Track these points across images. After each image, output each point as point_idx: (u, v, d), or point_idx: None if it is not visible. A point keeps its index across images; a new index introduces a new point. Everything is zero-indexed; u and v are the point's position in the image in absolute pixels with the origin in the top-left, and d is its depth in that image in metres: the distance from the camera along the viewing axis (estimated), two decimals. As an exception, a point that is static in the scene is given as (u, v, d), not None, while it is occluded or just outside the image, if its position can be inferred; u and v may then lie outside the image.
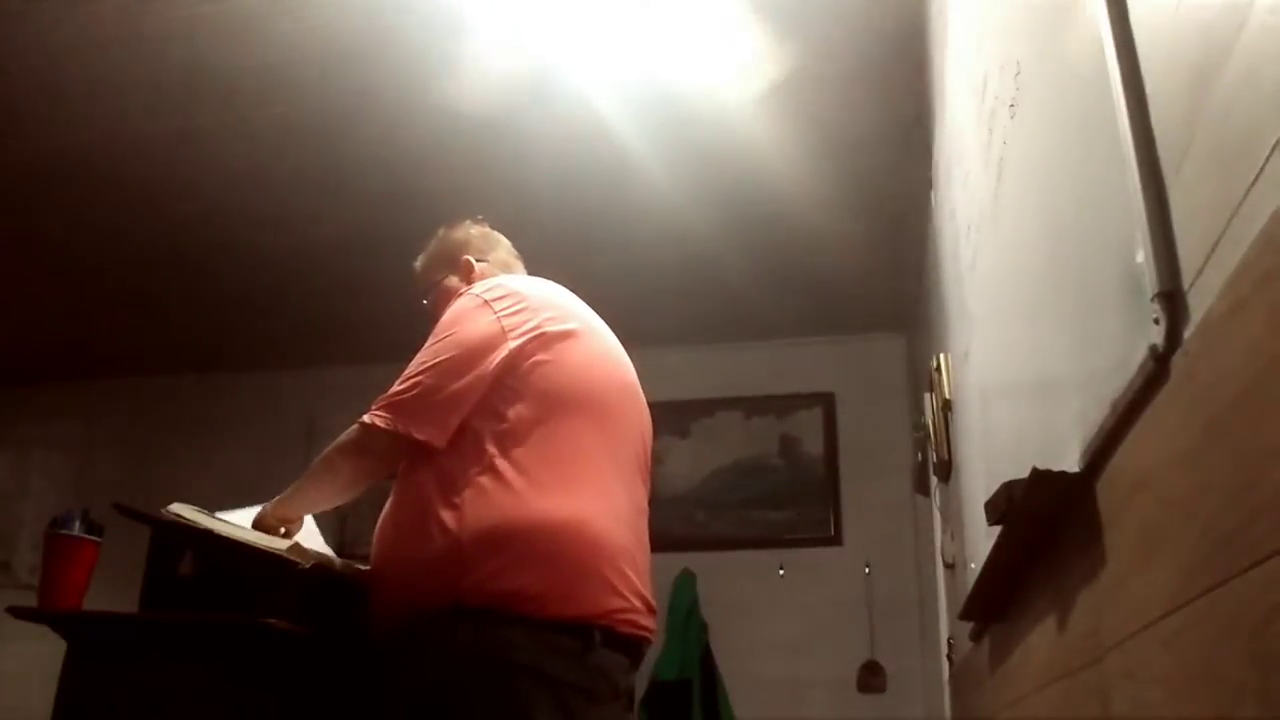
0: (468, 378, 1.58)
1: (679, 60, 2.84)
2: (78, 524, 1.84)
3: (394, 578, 1.58)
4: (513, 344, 1.61)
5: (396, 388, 1.62)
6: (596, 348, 1.73)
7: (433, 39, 2.77)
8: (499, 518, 1.48)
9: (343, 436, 1.64)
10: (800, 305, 4.37)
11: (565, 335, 1.67)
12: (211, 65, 2.90)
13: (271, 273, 4.11)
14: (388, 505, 1.66)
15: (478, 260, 1.94)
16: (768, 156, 3.26)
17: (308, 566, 1.69)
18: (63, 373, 5.11)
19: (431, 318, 1.86)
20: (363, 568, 1.85)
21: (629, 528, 1.62)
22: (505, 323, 1.64)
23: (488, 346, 1.61)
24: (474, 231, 2.02)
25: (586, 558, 1.51)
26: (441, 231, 2.04)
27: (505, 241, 2.05)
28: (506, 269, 1.96)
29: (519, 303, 1.68)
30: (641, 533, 1.68)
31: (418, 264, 2.03)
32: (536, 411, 1.57)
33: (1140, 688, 0.90)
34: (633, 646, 1.57)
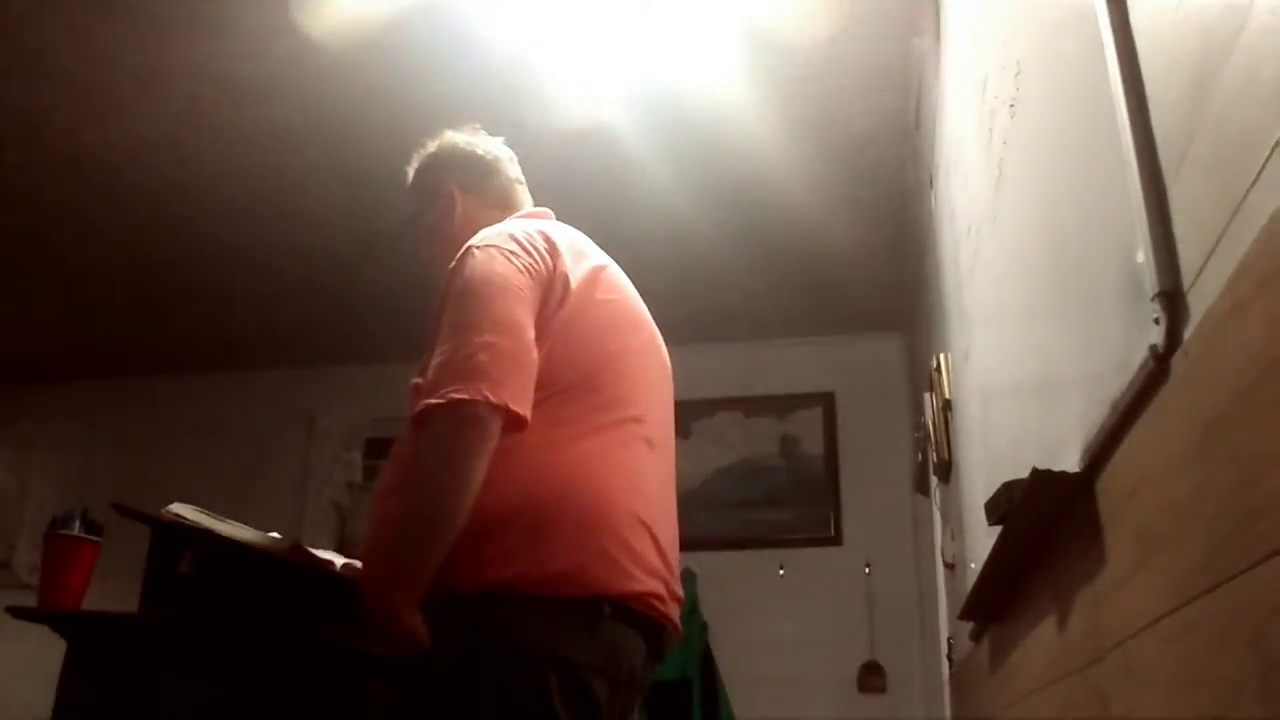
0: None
1: (679, 60, 2.84)
2: (78, 524, 1.85)
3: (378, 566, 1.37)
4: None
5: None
6: (620, 303, 1.55)
7: (433, 40, 2.77)
8: (500, 496, 1.31)
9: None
10: (800, 305, 4.37)
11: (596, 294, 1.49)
12: (212, 66, 2.90)
13: (272, 273, 4.11)
14: (392, 489, 1.43)
15: (463, 192, 1.66)
16: (768, 156, 3.26)
17: (307, 566, 1.69)
18: (63, 373, 5.11)
19: (414, 255, 1.68)
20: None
21: (650, 501, 1.44)
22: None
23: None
24: (461, 148, 1.70)
25: (591, 534, 1.34)
26: (428, 146, 1.72)
27: (504, 159, 1.72)
28: (504, 204, 1.67)
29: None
30: (668, 508, 1.49)
31: (407, 180, 1.74)
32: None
33: (1140, 688, 0.90)
34: (651, 625, 1.39)
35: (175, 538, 1.71)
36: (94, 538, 1.84)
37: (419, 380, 1.40)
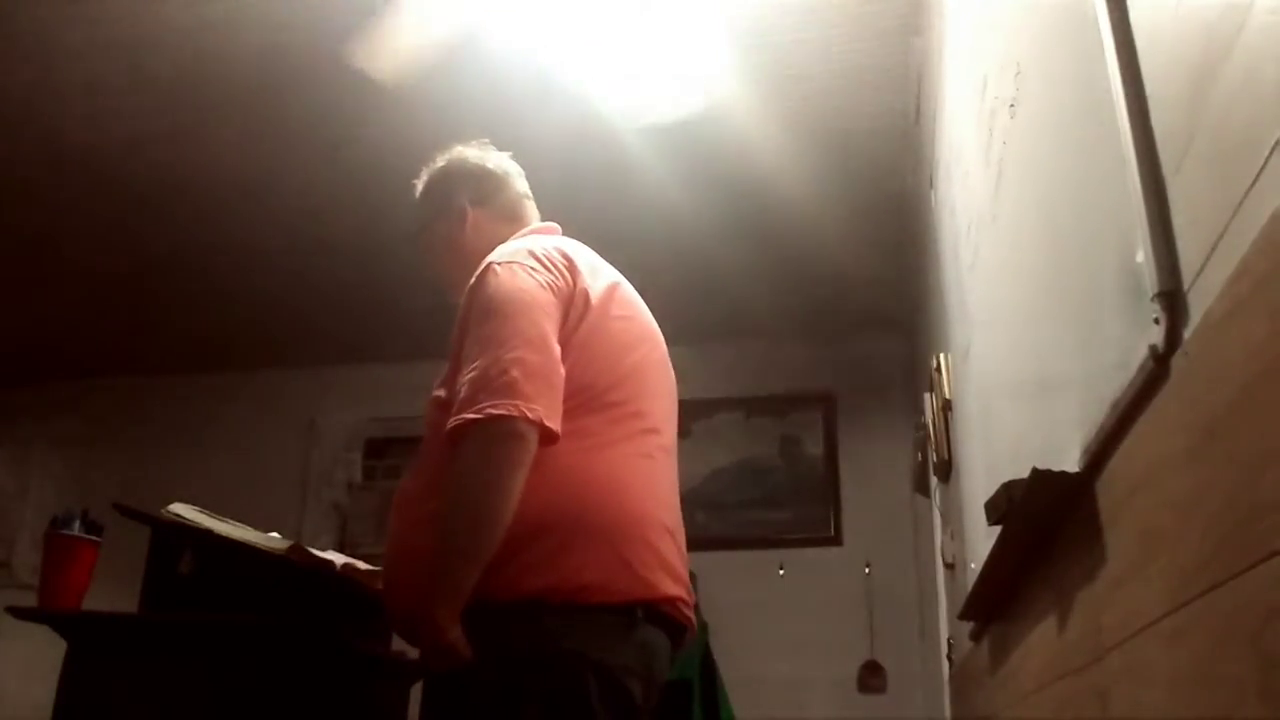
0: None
1: (679, 60, 2.84)
2: (78, 524, 1.85)
3: (412, 578, 1.41)
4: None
5: None
6: (634, 319, 1.60)
7: (434, 40, 2.77)
8: (534, 506, 1.33)
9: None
10: (800, 305, 4.36)
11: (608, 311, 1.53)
12: (212, 65, 2.90)
13: (271, 273, 4.11)
14: (418, 498, 1.46)
15: (474, 205, 1.69)
16: (767, 156, 3.26)
17: (307, 566, 1.69)
18: (63, 373, 5.11)
19: (422, 262, 1.71)
20: (364, 566, 1.85)
21: (669, 508, 1.51)
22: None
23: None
24: (472, 162, 1.73)
25: (624, 542, 1.38)
26: (438, 160, 1.76)
27: (514, 174, 1.75)
28: (513, 218, 1.70)
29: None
30: (678, 512, 1.54)
31: (416, 193, 1.78)
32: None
33: (1140, 688, 0.90)
34: (675, 627, 1.45)
35: (175, 538, 1.71)
36: (94, 538, 1.85)
37: (441, 394, 1.44)
